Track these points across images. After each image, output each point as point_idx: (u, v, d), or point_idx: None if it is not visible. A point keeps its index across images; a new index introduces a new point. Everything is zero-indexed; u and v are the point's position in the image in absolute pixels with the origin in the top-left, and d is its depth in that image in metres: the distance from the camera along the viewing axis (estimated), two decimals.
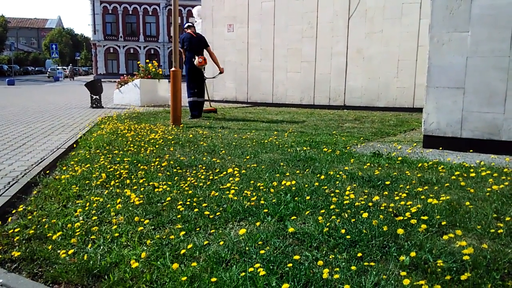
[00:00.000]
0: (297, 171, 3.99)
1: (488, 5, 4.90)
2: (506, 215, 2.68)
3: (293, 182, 3.51)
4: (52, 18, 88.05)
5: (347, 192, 3.19)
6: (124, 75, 13.48)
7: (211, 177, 3.79)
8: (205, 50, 9.12)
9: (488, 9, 4.91)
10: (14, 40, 59.32)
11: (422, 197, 3.08)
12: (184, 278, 1.97)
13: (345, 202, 2.96)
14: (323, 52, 11.86)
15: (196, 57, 8.78)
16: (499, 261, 2.06)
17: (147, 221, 2.76)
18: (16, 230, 2.66)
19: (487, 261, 2.06)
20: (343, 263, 2.09)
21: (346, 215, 2.72)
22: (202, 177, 3.80)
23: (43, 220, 2.86)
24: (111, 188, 3.53)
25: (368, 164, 4.28)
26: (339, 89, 11.78)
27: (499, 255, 2.12)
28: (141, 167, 4.19)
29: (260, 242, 2.36)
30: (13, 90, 23.10)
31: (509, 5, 4.83)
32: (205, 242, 2.40)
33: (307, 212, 2.81)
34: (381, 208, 2.85)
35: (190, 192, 3.33)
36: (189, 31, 9.08)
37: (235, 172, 3.92)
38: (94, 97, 11.61)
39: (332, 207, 2.86)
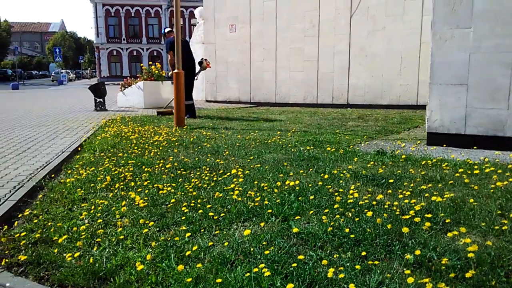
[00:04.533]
0: (301, 171, 3.99)
1: (490, 0, 4.88)
2: (510, 211, 2.67)
3: (297, 182, 3.51)
4: (55, 21, 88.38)
5: (351, 191, 3.19)
6: (128, 78, 13.51)
7: (215, 178, 3.80)
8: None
9: (491, 4, 4.89)
10: (18, 45, 59.56)
11: (426, 195, 3.08)
12: (189, 280, 1.98)
13: (349, 201, 2.96)
14: (325, 51, 11.85)
15: (204, 61, 9.55)
16: (503, 258, 2.06)
17: (152, 223, 2.77)
18: (22, 234, 2.69)
19: (492, 258, 2.06)
20: (348, 262, 2.09)
21: (350, 214, 2.73)
22: (206, 178, 3.82)
23: (49, 223, 2.88)
24: (115, 190, 3.55)
25: (372, 162, 4.27)
26: (342, 88, 11.77)
27: (503, 252, 2.12)
28: (146, 169, 4.21)
29: (264, 243, 2.37)
30: (17, 94, 23.23)
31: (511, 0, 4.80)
32: (210, 243, 2.41)
33: (311, 212, 2.81)
34: (385, 206, 2.85)
35: (194, 193, 3.34)
36: (173, 35, 9.47)
37: (239, 172, 3.92)
38: (98, 100, 11.65)
39: (336, 206, 2.86)
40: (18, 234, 2.69)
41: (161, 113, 9.82)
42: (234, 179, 3.72)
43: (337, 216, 2.70)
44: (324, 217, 2.67)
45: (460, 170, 3.76)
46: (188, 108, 9.04)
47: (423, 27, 10.32)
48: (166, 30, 9.93)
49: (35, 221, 2.96)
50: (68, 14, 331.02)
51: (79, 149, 5.74)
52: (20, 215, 3.16)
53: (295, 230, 2.48)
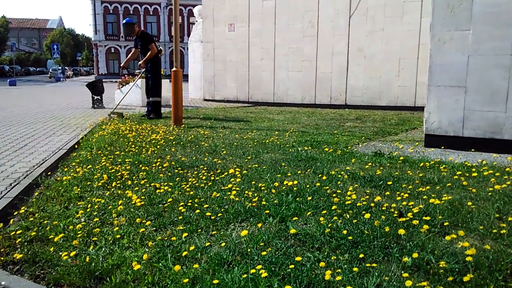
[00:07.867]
0: (299, 171, 3.98)
1: (490, 3, 4.89)
2: (508, 215, 2.67)
3: (295, 182, 3.50)
4: (53, 18, 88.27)
5: (348, 193, 3.18)
6: (125, 75, 13.45)
7: (212, 178, 3.79)
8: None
9: (490, 7, 4.89)
10: (16, 41, 59.19)
11: (424, 197, 3.07)
12: (186, 280, 1.97)
13: (347, 202, 2.95)
14: (324, 51, 11.84)
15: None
16: (501, 262, 2.05)
17: (148, 222, 2.75)
18: (18, 232, 2.67)
19: (490, 261, 2.06)
20: (345, 264, 2.09)
21: (348, 215, 2.72)
22: (204, 178, 3.80)
23: (45, 221, 2.86)
24: (112, 189, 3.53)
25: (370, 163, 4.27)
26: (341, 88, 11.77)
27: (501, 256, 2.12)
28: (143, 168, 4.19)
29: (261, 244, 2.35)
30: (14, 90, 23.13)
31: (510, 3, 4.81)
32: (207, 244, 2.39)
33: (309, 213, 2.80)
34: (383, 208, 2.84)
35: (191, 193, 3.32)
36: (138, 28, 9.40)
37: (237, 172, 3.91)
38: (96, 97, 11.60)
39: (333, 207, 2.85)
40: (13, 232, 2.67)
41: (111, 116, 8.92)
42: (232, 179, 3.71)
43: (335, 217, 2.69)
44: (321, 219, 2.66)
45: (458, 172, 3.76)
46: (155, 105, 9.01)
47: (422, 29, 10.33)
48: (132, 21, 9.41)
49: (31, 219, 2.94)
50: (67, 11, 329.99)
51: (76, 146, 5.71)
52: (15, 213, 3.13)
53: (292, 231, 2.47)
